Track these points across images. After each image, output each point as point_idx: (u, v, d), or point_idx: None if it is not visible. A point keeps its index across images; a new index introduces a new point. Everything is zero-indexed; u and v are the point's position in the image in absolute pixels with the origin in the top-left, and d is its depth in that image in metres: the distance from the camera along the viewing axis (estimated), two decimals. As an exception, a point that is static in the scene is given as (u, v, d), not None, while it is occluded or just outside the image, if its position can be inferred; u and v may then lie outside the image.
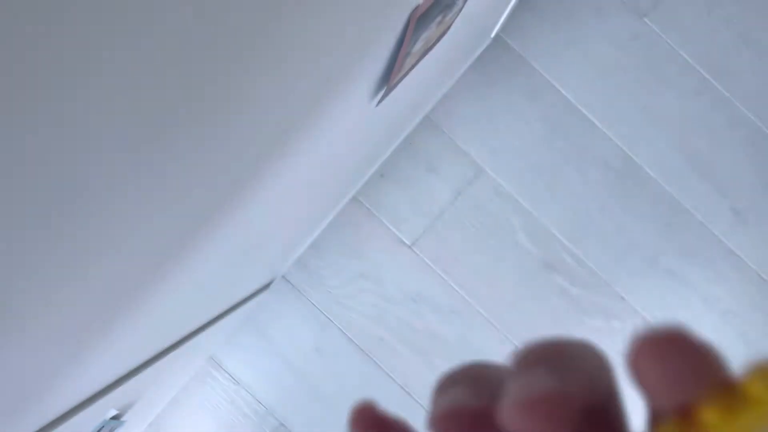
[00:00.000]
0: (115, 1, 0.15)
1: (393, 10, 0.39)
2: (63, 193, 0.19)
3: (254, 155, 0.35)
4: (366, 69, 0.44)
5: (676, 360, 0.14)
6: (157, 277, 0.36)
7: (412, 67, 0.57)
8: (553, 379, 0.14)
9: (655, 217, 1.19)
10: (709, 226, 1.19)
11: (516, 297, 1.17)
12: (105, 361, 0.43)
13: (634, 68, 1.20)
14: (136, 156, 0.22)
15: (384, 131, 0.88)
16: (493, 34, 1.15)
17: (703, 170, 1.19)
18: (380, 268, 1.14)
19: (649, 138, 1.20)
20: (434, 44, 0.59)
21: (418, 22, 0.46)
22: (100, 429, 0.55)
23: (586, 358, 0.15)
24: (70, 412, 0.43)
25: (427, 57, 0.60)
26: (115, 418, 0.58)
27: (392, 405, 1.12)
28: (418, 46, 0.53)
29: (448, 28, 0.60)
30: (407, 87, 0.65)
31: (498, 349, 1.17)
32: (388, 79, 0.52)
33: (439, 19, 0.53)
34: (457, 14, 0.59)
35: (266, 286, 1.07)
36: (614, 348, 1.17)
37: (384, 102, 0.59)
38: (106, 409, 0.53)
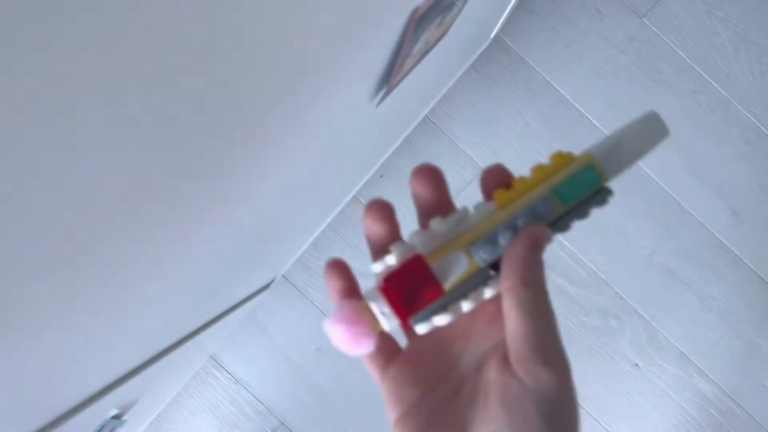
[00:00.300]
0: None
1: (393, 11, 0.39)
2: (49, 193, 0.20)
3: (254, 153, 0.35)
4: (366, 69, 0.44)
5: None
6: (156, 276, 0.36)
7: (412, 67, 0.57)
8: None
9: (654, 216, 1.19)
10: (707, 225, 1.19)
11: (515, 296, 1.17)
12: (106, 360, 0.43)
13: (632, 68, 1.20)
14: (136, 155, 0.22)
15: (384, 131, 0.88)
16: (492, 35, 1.15)
17: (701, 170, 1.20)
18: (380, 268, 1.14)
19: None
20: (434, 45, 0.59)
21: (418, 23, 0.46)
22: (101, 428, 0.55)
23: None
24: (71, 412, 0.43)
25: (426, 58, 0.61)
26: (116, 417, 0.58)
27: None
28: (418, 47, 0.53)
29: (448, 29, 0.60)
30: (407, 87, 0.65)
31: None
32: (388, 79, 0.52)
33: (438, 20, 0.53)
34: (457, 15, 0.59)
35: (267, 286, 1.08)
36: (613, 347, 1.18)
37: (384, 102, 0.59)
38: (107, 408, 0.53)
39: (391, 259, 0.27)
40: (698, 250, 1.19)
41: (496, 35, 1.17)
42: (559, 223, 0.28)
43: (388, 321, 0.27)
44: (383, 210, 0.30)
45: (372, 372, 0.29)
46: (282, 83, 0.31)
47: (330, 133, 0.50)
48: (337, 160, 0.67)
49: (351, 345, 0.27)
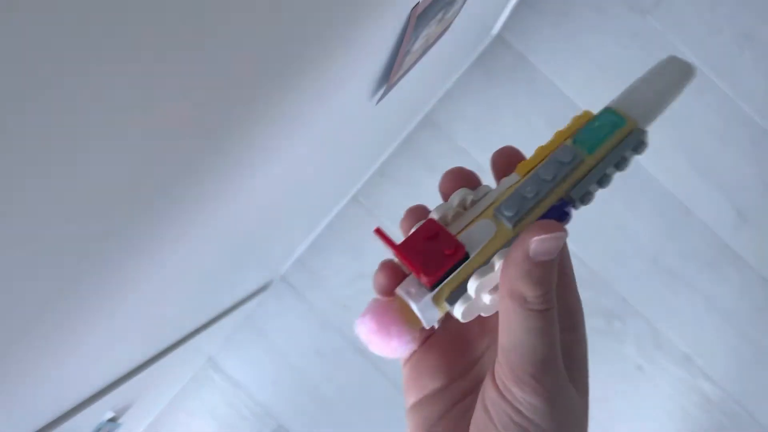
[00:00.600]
0: None
1: (393, 7, 0.39)
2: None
3: (254, 151, 0.35)
4: (366, 66, 0.43)
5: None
6: (155, 275, 0.36)
7: (413, 65, 0.57)
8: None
9: (657, 217, 1.18)
10: (711, 226, 1.18)
11: (517, 297, 1.17)
12: (102, 362, 0.42)
13: (635, 66, 1.19)
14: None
15: (384, 130, 0.87)
16: (494, 33, 1.14)
17: (705, 170, 1.19)
18: (380, 269, 1.13)
19: (652, 137, 1.19)
20: (434, 42, 0.58)
21: (418, 19, 0.45)
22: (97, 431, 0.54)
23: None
24: (66, 415, 0.43)
25: (427, 55, 0.60)
26: (111, 420, 0.58)
27: (391, 406, 1.11)
28: (419, 44, 0.52)
29: (449, 25, 0.59)
30: (407, 85, 0.64)
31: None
32: (388, 77, 0.52)
33: (439, 16, 0.52)
34: (458, 12, 0.59)
35: (265, 287, 1.07)
36: (617, 349, 1.17)
37: (384, 101, 0.58)
38: (102, 411, 0.52)
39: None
40: (703, 251, 1.18)
41: (498, 33, 1.16)
42: (594, 175, 0.26)
43: (419, 306, 0.24)
44: (419, 212, 0.28)
45: None
46: (281, 83, 0.31)
47: (329, 130, 0.49)
48: (336, 158, 0.67)
49: (384, 345, 0.25)
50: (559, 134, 0.27)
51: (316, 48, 0.32)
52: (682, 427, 1.17)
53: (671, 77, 0.28)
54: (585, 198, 0.26)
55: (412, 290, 0.25)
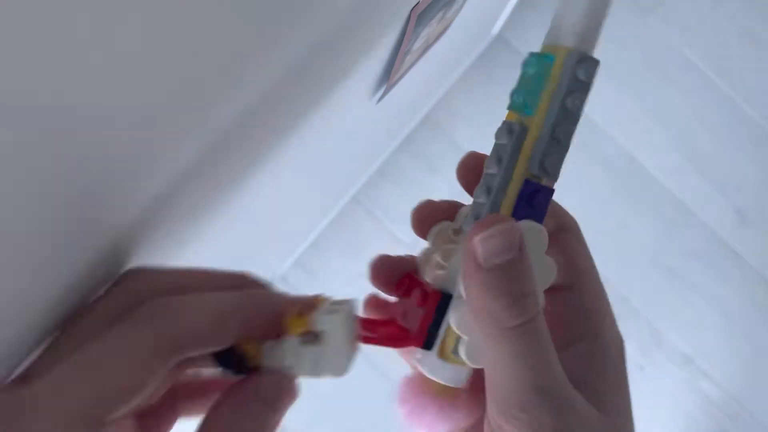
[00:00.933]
0: None
1: (393, 6, 0.38)
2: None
3: (253, 149, 0.35)
4: (366, 65, 0.43)
5: None
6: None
7: (413, 64, 0.56)
8: None
9: (658, 216, 1.18)
10: (712, 225, 1.18)
11: (517, 297, 1.16)
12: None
13: (636, 65, 1.19)
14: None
15: (384, 129, 0.87)
16: (494, 32, 1.14)
17: (706, 169, 1.19)
18: (380, 269, 1.13)
19: (652, 137, 1.19)
20: (435, 41, 0.58)
21: (418, 18, 0.45)
22: None
23: None
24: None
25: (427, 54, 0.60)
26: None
27: (391, 407, 1.11)
28: (419, 44, 0.52)
29: (449, 25, 0.59)
30: (407, 85, 0.64)
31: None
32: (389, 76, 0.51)
33: (440, 15, 0.52)
34: (458, 11, 0.58)
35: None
36: (616, 349, 1.16)
37: (384, 100, 0.58)
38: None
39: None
40: (703, 251, 1.18)
41: (499, 33, 1.16)
42: (544, 136, 0.21)
43: (431, 371, 0.21)
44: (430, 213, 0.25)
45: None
46: (281, 82, 0.30)
47: (329, 130, 0.49)
48: (336, 158, 0.66)
49: (430, 425, 0.22)
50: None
51: (315, 47, 0.31)
52: (683, 427, 1.16)
53: None
54: (549, 166, 0.21)
55: (419, 355, 0.22)
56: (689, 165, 1.19)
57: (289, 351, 0.20)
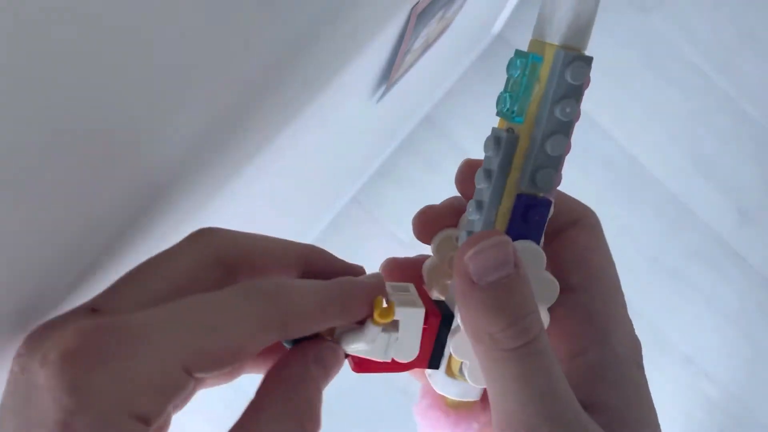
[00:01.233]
0: None
1: (393, 5, 0.38)
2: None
3: (252, 148, 0.34)
4: (366, 64, 0.43)
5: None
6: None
7: (413, 64, 0.56)
8: None
9: (659, 217, 1.18)
10: (714, 226, 1.18)
11: (518, 298, 1.16)
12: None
13: (637, 66, 1.18)
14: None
15: (384, 129, 0.86)
16: (494, 31, 1.13)
17: (707, 170, 1.18)
18: (380, 269, 1.13)
19: (653, 137, 1.19)
20: (435, 41, 0.58)
21: (418, 18, 0.45)
22: None
23: None
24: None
25: (427, 54, 0.59)
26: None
27: (392, 407, 1.10)
28: (419, 43, 0.52)
29: (449, 24, 0.59)
30: (407, 85, 0.64)
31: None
32: (389, 75, 0.51)
33: (440, 15, 0.52)
34: (458, 11, 0.58)
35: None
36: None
37: (384, 100, 0.58)
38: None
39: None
40: (704, 251, 1.18)
41: (499, 32, 1.15)
42: (534, 144, 0.19)
43: (442, 389, 0.21)
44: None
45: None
46: (279, 82, 0.30)
47: (328, 129, 0.49)
48: (335, 158, 0.66)
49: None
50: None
51: (315, 46, 0.31)
52: (684, 427, 1.16)
53: None
54: (541, 181, 0.20)
55: (429, 371, 0.22)
56: (690, 165, 1.18)
57: (367, 337, 0.20)
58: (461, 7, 0.58)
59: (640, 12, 1.18)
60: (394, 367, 0.21)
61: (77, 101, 0.15)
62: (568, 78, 0.19)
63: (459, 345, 0.20)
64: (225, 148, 0.30)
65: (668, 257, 1.17)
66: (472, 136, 1.14)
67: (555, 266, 0.21)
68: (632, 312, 0.22)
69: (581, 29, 0.20)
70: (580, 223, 0.23)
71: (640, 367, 0.21)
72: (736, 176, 1.18)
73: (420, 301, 0.21)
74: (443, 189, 1.19)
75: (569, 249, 0.22)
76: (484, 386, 0.20)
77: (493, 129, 0.22)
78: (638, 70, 1.18)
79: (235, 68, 0.25)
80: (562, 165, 0.20)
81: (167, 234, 0.30)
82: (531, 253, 0.20)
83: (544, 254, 0.20)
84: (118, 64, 0.15)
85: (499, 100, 0.21)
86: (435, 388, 0.22)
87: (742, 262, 1.18)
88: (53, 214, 0.18)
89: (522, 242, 0.20)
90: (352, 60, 0.39)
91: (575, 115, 0.20)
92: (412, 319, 0.20)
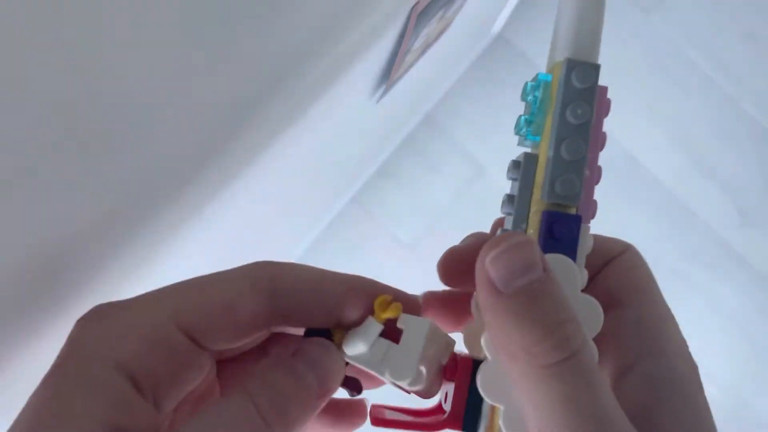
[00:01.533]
0: None
1: (393, 5, 0.38)
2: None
3: (251, 148, 0.34)
4: (367, 64, 0.43)
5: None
6: (137, 283, 0.35)
7: (413, 64, 0.56)
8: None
9: (660, 217, 1.18)
10: (715, 226, 1.18)
11: (518, 298, 1.16)
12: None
13: (637, 65, 1.18)
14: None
15: (384, 129, 0.86)
16: (495, 31, 1.13)
17: (708, 170, 1.18)
18: (380, 268, 1.13)
19: (653, 137, 1.18)
20: (435, 41, 0.58)
21: (418, 17, 0.45)
22: None
23: None
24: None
25: (427, 53, 0.59)
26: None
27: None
28: (419, 43, 0.52)
29: (449, 24, 0.59)
30: (408, 84, 0.64)
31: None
32: (389, 75, 0.51)
33: (440, 14, 0.52)
34: (458, 10, 0.58)
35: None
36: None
37: (384, 99, 0.57)
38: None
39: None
40: (705, 252, 1.18)
41: (499, 32, 1.15)
42: (553, 157, 0.19)
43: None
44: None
45: None
46: (279, 83, 0.30)
47: (328, 128, 0.49)
48: (335, 157, 0.66)
49: None
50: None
51: (315, 46, 0.31)
52: (684, 428, 1.16)
53: (572, 7, 0.21)
54: (562, 189, 0.19)
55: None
56: (690, 165, 1.18)
57: (367, 336, 0.20)
58: (461, 7, 0.58)
59: (640, 12, 1.18)
60: (418, 426, 0.20)
61: (84, 101, 0.15)
62: (574, 81, 0.20)
63: (488, 380, 0.18)
64: (225, 149, 0.30)
65: (668, 257, 1.17)
66: (472, 136, 1.14)
67: (598, 292, 0.19)
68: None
69: (587, 42, 0.21)
70: (619, 254, 0.22)
71: (701, 389, 0.19)
72: (736, 176, 1.18)
73: (430, 318, 0.20)
74: (443, 189, 1.19)
75: (612, 269, 0.21)
76: None
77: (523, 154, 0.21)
78: (638, 69, 1.18)
79: (240, 71, 0.25)
80: (593, 183, 0.20)
81: (156, 243, 0.30)
82: (563, 266, 0.18)
83: (578, 270, 0.19)
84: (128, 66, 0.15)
85: (517, 124, 0.20)
86: None
87: (742, 262, 1.17)
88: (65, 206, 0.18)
89: (553, 255, 0.18)
90: (352, 61, 0.39)
91: (589, 118, 0.20)
92: (415, 330, 0.19)
